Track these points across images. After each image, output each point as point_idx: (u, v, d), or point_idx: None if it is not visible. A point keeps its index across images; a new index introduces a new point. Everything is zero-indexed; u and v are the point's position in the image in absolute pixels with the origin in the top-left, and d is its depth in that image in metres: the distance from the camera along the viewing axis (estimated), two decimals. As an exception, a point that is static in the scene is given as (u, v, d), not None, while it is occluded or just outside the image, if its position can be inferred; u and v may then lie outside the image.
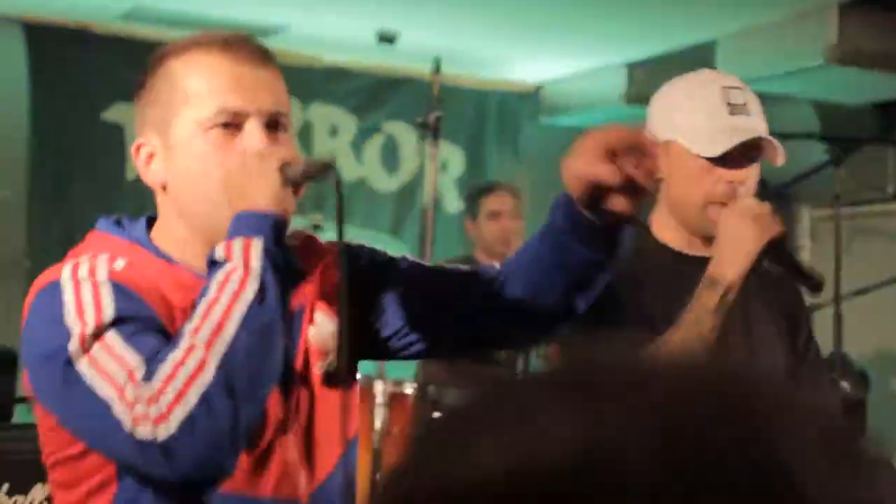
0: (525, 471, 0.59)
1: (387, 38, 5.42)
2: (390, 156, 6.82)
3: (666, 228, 2.48)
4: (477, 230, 5.42)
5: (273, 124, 1.86)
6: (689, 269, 2.36)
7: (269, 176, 1.77)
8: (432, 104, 3.81)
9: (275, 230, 1.76)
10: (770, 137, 2.35)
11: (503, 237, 5.37)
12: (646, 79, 6.48)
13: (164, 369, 1.66)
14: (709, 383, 0.61)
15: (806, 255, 7.04)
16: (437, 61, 4.11)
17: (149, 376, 1.66)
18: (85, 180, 6.15)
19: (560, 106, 7.18)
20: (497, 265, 2.02)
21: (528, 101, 7.31)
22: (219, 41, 1.88)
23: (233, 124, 1.83)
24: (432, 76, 4.18)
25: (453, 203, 7.03)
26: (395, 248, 5.64)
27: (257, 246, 1.74)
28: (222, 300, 1.71)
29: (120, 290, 1.76)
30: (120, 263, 1.81)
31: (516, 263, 1.97)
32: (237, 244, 1.74)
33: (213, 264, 1.75)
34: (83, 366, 1.70)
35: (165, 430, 1.62)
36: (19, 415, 3.73)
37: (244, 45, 1.88)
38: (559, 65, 6.82)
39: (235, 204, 1.78)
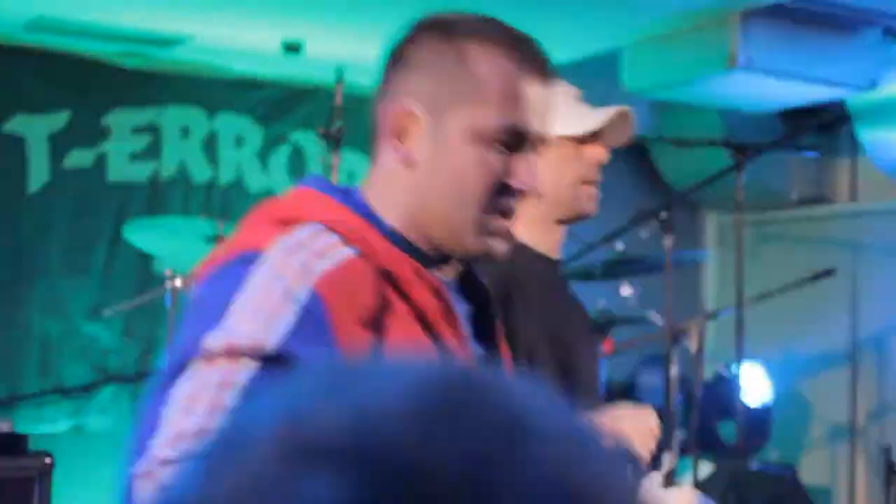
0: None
1: (292, 48, 5.39)
2: (297, 166, 6.77)
3: (535, 235, 2.47)
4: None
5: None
6: (561, 274, 2.56)
7: None
8: (335, 114, 3.80)
9: None
10: (631, 111, 2.45)
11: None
12: (552, 87, 6.51)
13: None
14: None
15: (711, 261, 7.12)
16: (340, 71, 4.09)
17: None
18: (-15, 194, 6.03)
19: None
20: None
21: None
22: (521, 46, 1.71)
23: (513, 144, 1.69)
24: (335, 86, 4.16)
25: (362, 213, 7.01)
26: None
27: None
28: None
29: (313, 316, 1.52)
30: (343, 254, 1.60)
31: None
32: None
33: None
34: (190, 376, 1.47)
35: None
36: None
37: (540, 56, 1.73)
38: (466, 74, 6.82)
39: None
